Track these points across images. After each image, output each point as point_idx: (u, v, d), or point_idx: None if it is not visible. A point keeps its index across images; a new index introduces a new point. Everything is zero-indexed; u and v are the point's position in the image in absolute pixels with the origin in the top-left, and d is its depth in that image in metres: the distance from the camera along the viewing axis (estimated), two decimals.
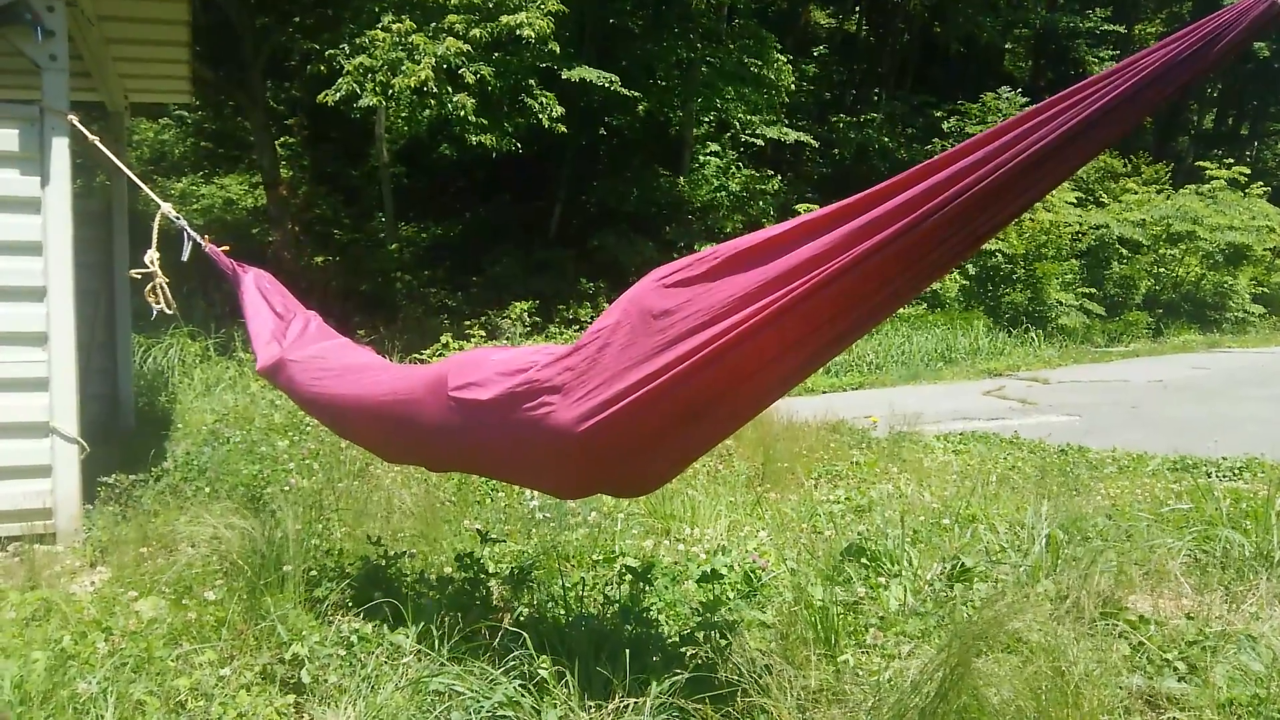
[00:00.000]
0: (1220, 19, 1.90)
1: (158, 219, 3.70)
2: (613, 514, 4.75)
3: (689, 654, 2.89)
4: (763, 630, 3.19)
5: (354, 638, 2.93)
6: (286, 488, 4.91)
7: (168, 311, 3.67)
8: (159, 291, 3.66)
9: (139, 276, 3.62)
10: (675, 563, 3.86)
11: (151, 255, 3.60)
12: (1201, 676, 2.85)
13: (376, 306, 15.61)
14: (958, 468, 6.43)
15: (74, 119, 4.36)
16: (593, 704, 2.46)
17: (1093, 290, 19.52)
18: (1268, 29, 1.93)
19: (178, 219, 3.73)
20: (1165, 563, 3.88)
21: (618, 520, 4.63)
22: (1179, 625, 3.27)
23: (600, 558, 4.01)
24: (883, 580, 3.68)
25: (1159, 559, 3.92)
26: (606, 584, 3.63)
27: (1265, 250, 21.95)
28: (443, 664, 2.61)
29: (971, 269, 18.52)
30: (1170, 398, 11.35)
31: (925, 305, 17.49)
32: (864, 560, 3.90)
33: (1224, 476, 6.22)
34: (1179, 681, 2.84)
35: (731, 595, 3.48)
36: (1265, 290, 22.80)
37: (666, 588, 3.49)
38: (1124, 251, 20.53)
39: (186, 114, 17.25)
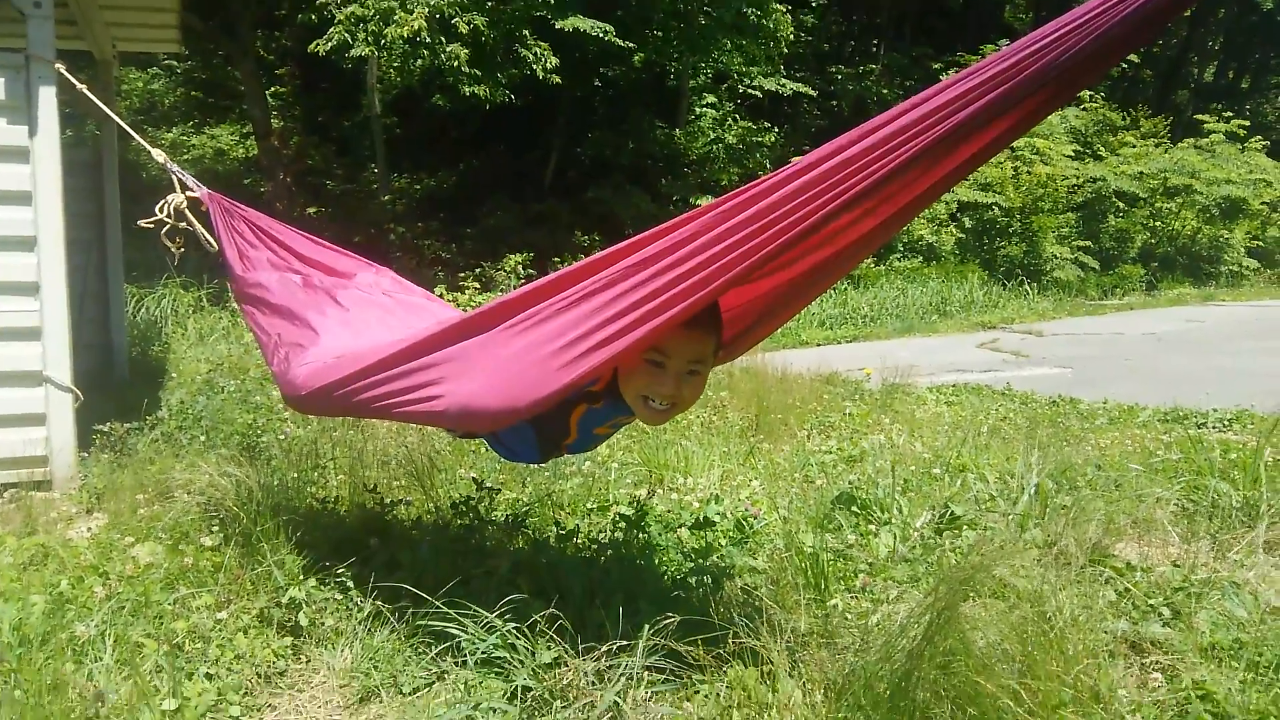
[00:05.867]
0: None
1: (171, 165, 3.62)
2: (607, 463, 4.78)
3: (681, 598, 2.92)
4: (754, 576, 3.23)
5: (350, 582, 2.96)
6: (282, 436, 4.93)
7: (211, 248, 3.52)
8: (182, 234, 3.51)
9: (150, 225, 3.53)
10: (669, 511, 3.90)
11: (178, 199, 3.48)
12: (1185, 621, 2.89)
13: (370, 258, 15.36)
14: (949, 419, 6.46)
15: (61, 67, 4.30)
16: (586, 646, 2.49)
17: (1088, 243, 19.49)
18: None
19: (170, 165, 3.66)
20: (1153, 512, 3.91)
21: (611, 470, 4.66)
22: (1165, 572, 3.31)
23: (594, 505, 4.04)
24: (873, 528, 3.71)
25: (1147, 508, 3.95)
26: (600, 531, 3.66)
27: (1261, 204, 21.92)
28: (438, 607, 2.64)
29: (968, 222, 18.47)
30: (1163, 350, 11.38)
31: (920, 258, 17.46)
32: (854, 509, 3.93)
33: (1214, 428, 6.26)
34: (1163, 626, 2.88)
35: (724, 542, 3.51)
36: (1260, 244, 22.81)
37: (660, 534, 3.53)
38: (1120, 205, 20.47)
39: (176, 63, 17.01)
